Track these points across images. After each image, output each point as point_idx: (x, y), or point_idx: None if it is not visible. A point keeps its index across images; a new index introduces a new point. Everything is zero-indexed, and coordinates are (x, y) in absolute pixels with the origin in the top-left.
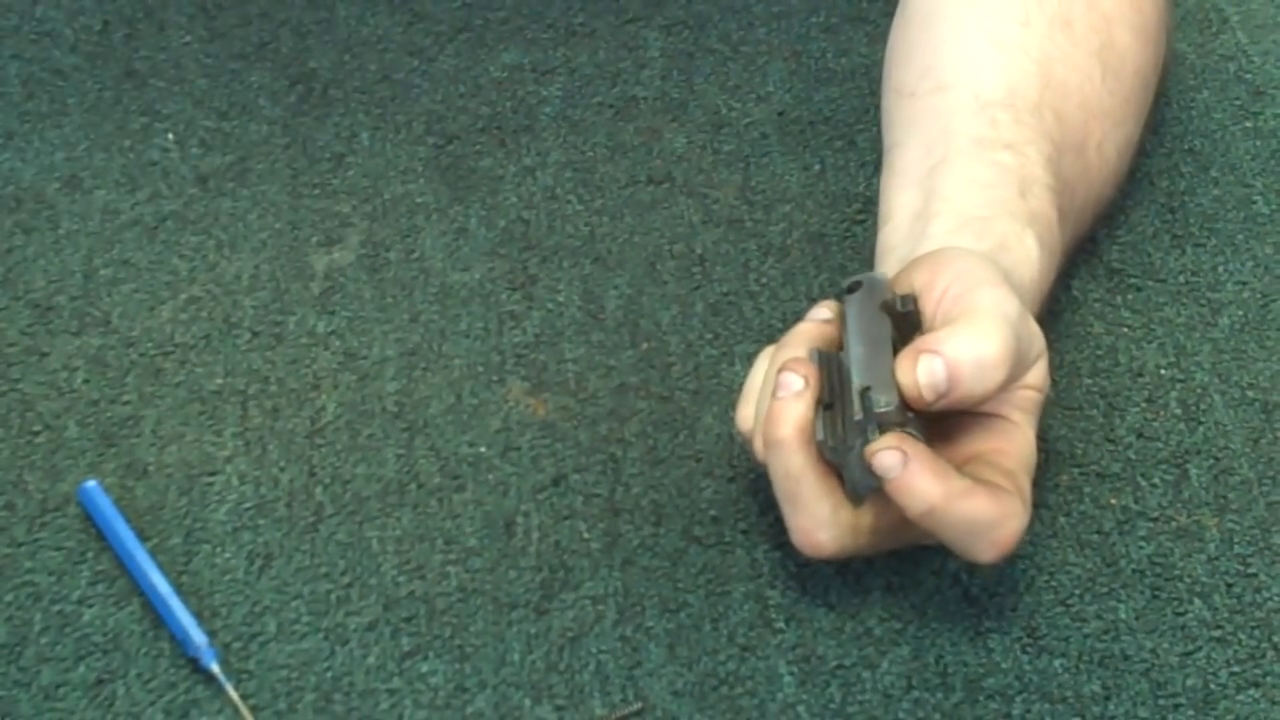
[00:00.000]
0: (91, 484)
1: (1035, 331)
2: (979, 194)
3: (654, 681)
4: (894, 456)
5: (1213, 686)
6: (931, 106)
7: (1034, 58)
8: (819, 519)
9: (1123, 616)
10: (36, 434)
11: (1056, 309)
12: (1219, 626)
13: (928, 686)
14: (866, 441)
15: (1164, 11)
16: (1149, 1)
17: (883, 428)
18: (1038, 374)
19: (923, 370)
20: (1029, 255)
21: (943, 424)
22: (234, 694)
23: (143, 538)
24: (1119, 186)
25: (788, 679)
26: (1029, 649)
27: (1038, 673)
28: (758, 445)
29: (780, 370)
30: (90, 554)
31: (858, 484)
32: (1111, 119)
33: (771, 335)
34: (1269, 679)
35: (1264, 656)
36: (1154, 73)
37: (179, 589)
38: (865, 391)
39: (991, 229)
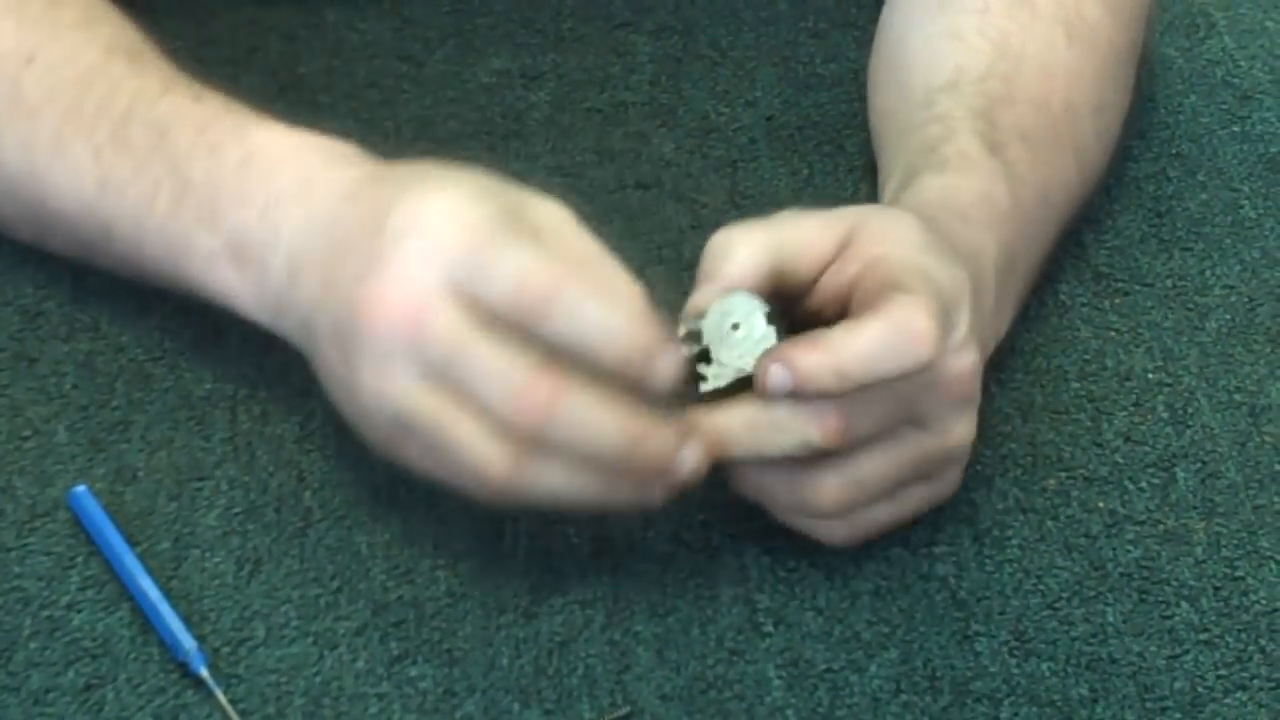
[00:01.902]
0: (81, 489)
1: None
2: (900, 172)
3: (642, 685)
4: (777, 369)
5: (1200, 689)
6: (899, 119)
7: (989, 36)
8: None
9: (1110, 620)
10: (26, 439)
11: (1043, 313)
12: (1206, 630)
13: (916, 690)
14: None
15: None
16: None
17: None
18: (878, 218)
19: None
20: (920, 189)
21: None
22: (223, 698)
23: (132, 543)
24: (1105, 149)
25: (776, 683)
26: (1016, 652)
27: (1025, 676)
28: None
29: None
30: (79, 559)
31: None
32: (1081, 80)
33: None
34: (1256, 682)
35: (1251, 659)
36: (1130, 48)
37: (168, 594)
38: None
39: (898, 193)
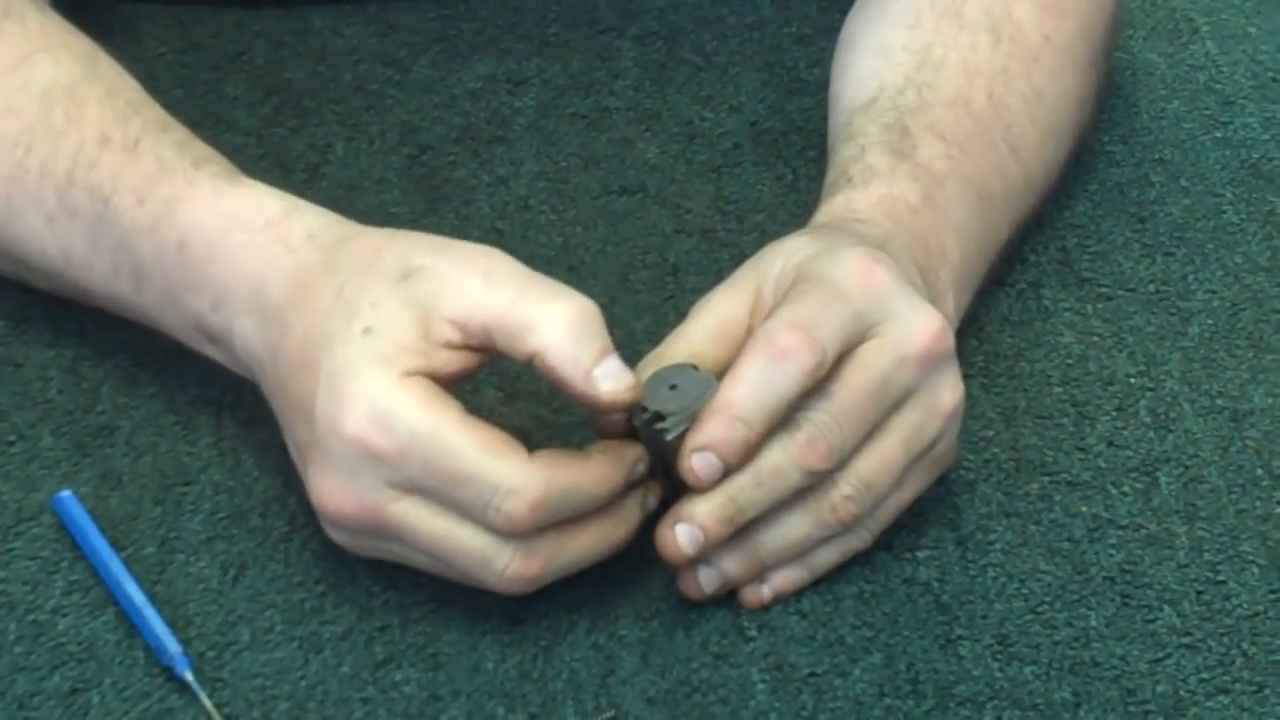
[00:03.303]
0: (66, 494)
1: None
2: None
3: (627, 689)
4: (700, 460)
5: (1182, 693)
6: (830, 140)
7: (913, 50)
8: None
9: (1093, 624)
10: (11, 444)
11: (1026, 318)
12: (1189, 633)
13: (899, 694)
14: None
15: None
16: None
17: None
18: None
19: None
20: (824, 211)
21: None
22: (208, 703)
23: (117, 547)
24: (1048, 133)
25: (760, 687)
26: (1000, 656)
27: (1008, 680)
28: None
29: None
30: (65, 564)
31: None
32: (1005, 75)
33: None
34: (1238, 686)
35: (1233, 663)
36: (1078, 37)
37: (153, 598)
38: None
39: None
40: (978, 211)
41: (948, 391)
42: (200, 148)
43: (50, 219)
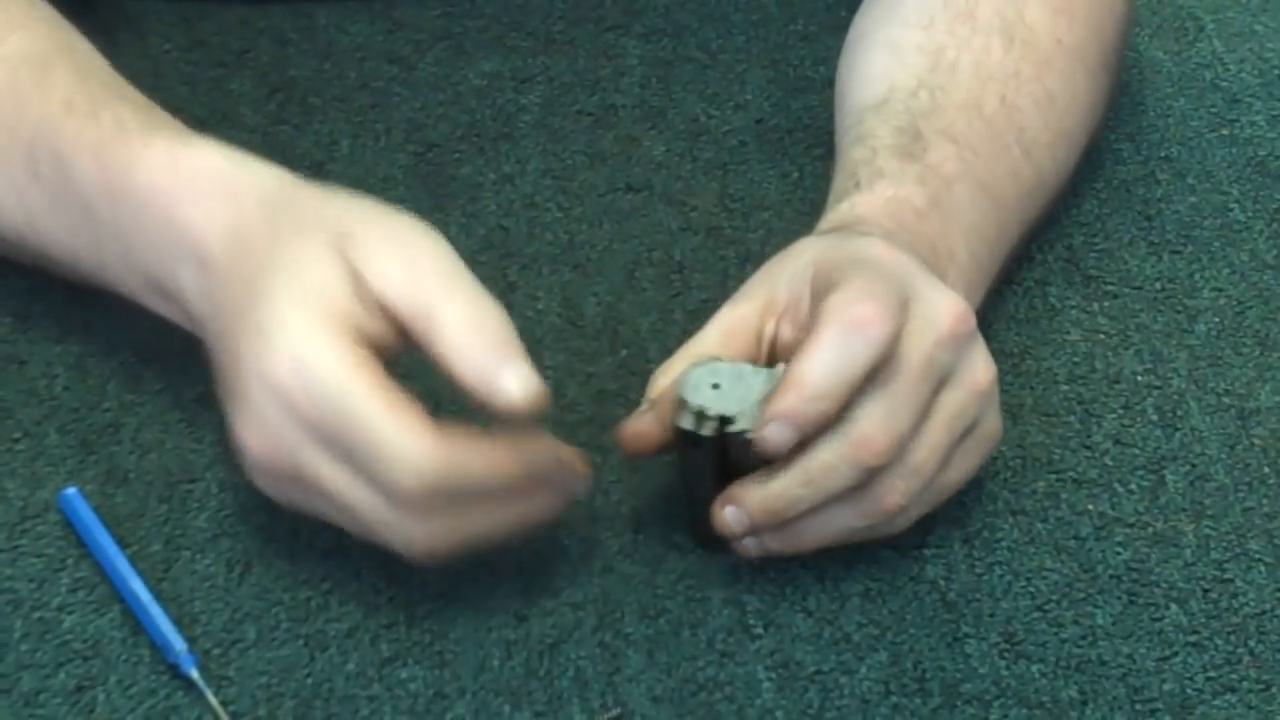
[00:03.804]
0: (72, 491)
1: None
2: (831, 198)
3: (633, 687)
4: (774, 427)
5: (1189, 691)
6: (839, 140)
7: (927, 51)
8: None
9: (1100, 622)
10: (17, 441)
11: (1032, 315)
12: (1195, 632)
13: (905, 692)
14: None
15: None
16: None
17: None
18: (789, 260)
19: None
20: (833, 216)
21: None
22: (214, 700)
23: (123, 545)
24: (1060, 134)
25: (766, 684)
26: (1006, 654)
27: (1015, 678)
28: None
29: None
30: (70, 561)
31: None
32: (1018, 78)
33: None
34: (1245, 684)
35: (1240, 661)
36: (1089, 40)
37: (159, 596)
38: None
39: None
40: (990, 213)
41: (981, 368)
42: (158, 113)
43: (14, 181)
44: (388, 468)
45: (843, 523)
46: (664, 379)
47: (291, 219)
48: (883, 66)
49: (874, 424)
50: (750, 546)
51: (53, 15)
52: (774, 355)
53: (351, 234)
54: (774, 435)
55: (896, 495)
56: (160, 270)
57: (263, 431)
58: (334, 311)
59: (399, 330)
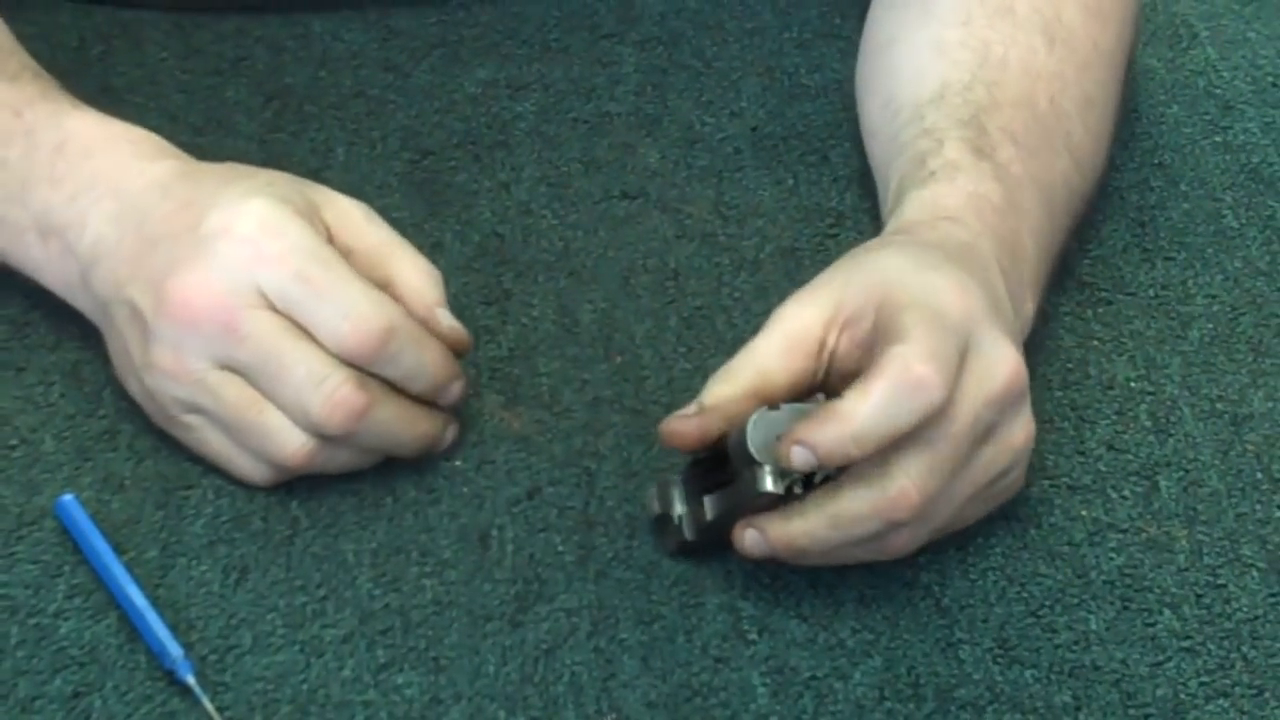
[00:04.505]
0: (68, 498)
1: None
2: (896, 185)
3: (628, 693)
4: (800, 450)
5: (1182, 697)
6: (886, 136)
7: (971, 47)
8: None
9: (1093, 627)
10: (13, 448)
11: None
12: (1189, 637)
13: (900, 697)
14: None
15: None
16: None
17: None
18: (864, 272)
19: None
20: (909, 206)
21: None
22: (210, 706)
23: (119, 551)
24: (1093, 142)
25: (761, 690)
26: (1000, 660)
27: (1009, 683)
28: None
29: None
30: (67, 567)
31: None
32: (1062, 80)
33: None
34: (1238, 689)
35: (1233, 667)
36: (1119, 50)
37: (155, 602)
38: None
39: (893, 208)
40: (1045, 217)
41: (1021, 428)
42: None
43: None
44: (353, 318)
45: (849, 555)
46: (722, 389)
47: (239, 169)
48: (930, 63)
49: (912, 481)
50: (753, 548)
51: None
52: (830, 367)
53: (318, 200)
54: (797, 459)
55: (907, 541)
56: (56, 206)
57: (212, 284)
58: (303, 210)
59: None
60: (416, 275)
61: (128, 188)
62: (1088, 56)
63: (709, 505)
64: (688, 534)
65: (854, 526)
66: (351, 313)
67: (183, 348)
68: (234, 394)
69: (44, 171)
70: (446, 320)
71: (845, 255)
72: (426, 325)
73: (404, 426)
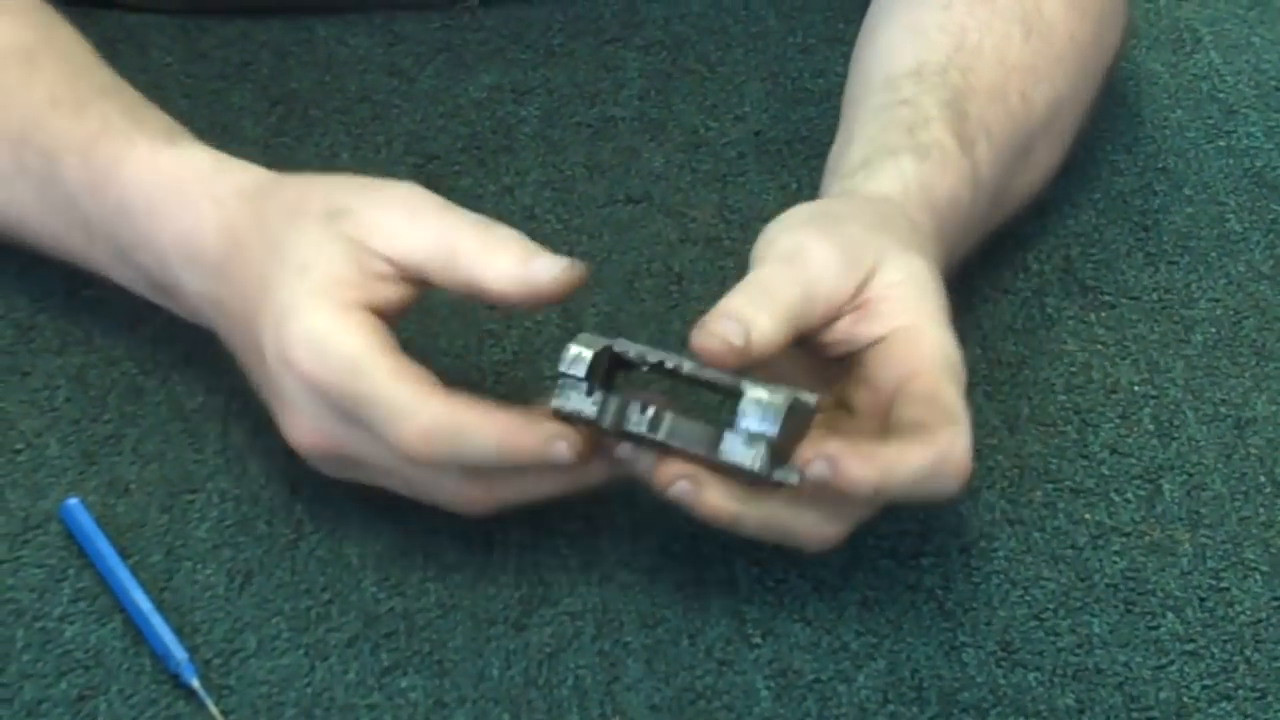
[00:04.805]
0: (73, 501)
1: (879, 243)
2: (865, 149)
3: (632, 696)
4: (821, 466)
5: (1185, 700)
6: (854, 101)
7: (948, 31)
8: None
9: (1096, 631)
10: (19, 452)
11: (1030, 325)
12: (1192, 640)
13: (903, 700)
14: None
15: None
16: None
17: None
18: (899, 270)
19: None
20: (901, 172)
21: (849, 365)
22: (215, 710)
23: (124, 555)
24: (1055, 140)
25: (764, 693)
26: (1003, 663)
27: (1012, 686)
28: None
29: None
30: (72, 571)
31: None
32: (1036, 73)
33: None
34: (1241, 692)
35: (1236, 670)
36: (1095, 43)
37: (160, 606)
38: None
39: (869, 163)
40: (989, 222)
41: (939, 489)
42: (146, 109)
43: (3, 176)
44: (395, 427)
45: (774, 536)
46: (772, 336)
47: (279, 209)
48: (905, 42)
49: (849, 526)
50: (679, 495)
51: (38, 3)
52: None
53: (344, 209)
54: (815, 470)
55: (827, 539)
56: (154, 268)
57: (302, 420)
58: (340, 287)
59: (412, 285)
60: (489, 261)
61: (196, 260)
62: (1063, 50)
63: (667, 425)
64: (604, 423)
65: (782, 533)
66: (401, 426)
67: (316, 464)
68: (389, 485)
69: (124, 233)
70: (547, 273)
71: (855, 208)
72: (532, 301)
73: (533, 488)
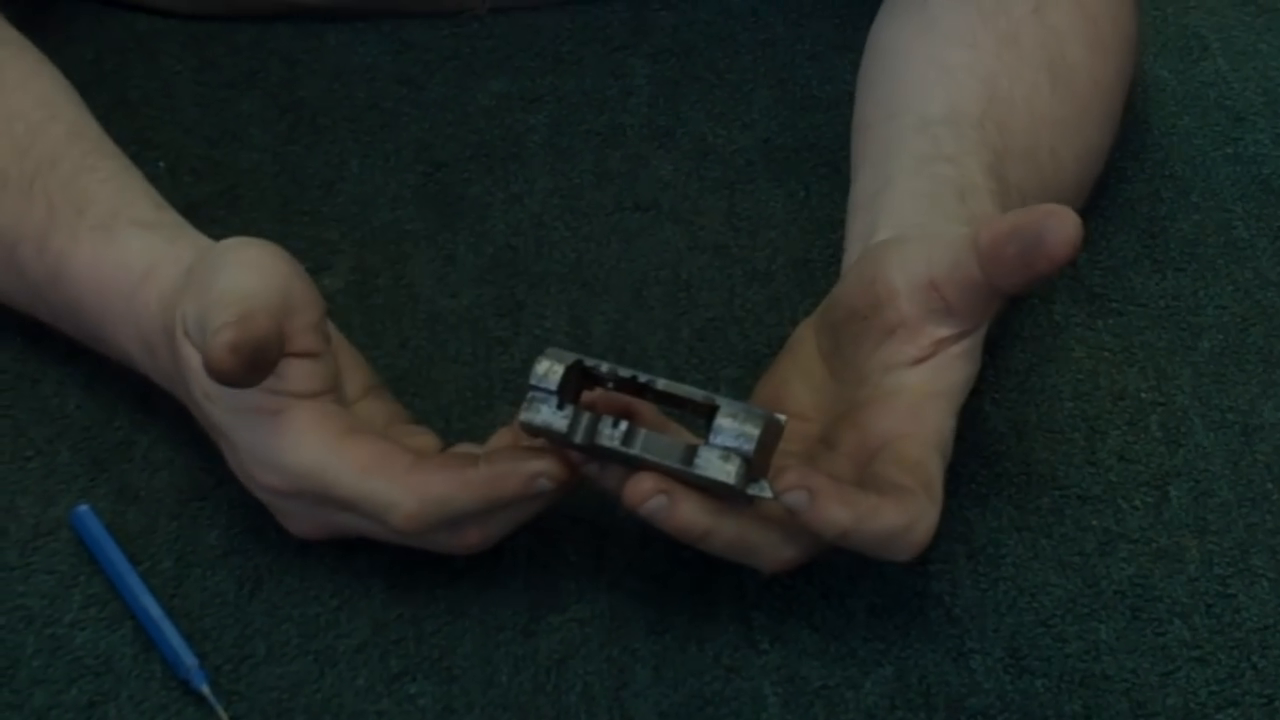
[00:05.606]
0: (83, 508)
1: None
2: (918, 204)
3: (640, 702)
4: (800, 495)
5: (1192, 706)
6: (881, 135)
7: (979, 76)
8: None
9: (1104, 637)
10: (29, 459)
11: (1037, 333)
12: (1199, 647)
13: (911, 707)
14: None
15: (1125, 24)
16: (1105, 17)
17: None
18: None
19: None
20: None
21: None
22: (224, 716)
23: (134, 562)
24: (1082, 195)
25: (772, 699)
26: (1011, 669)
27: (1020, 693)
28: None
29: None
30: (82, 578)
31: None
32: (1064, 126)
33: (756, 360)
34: (1248, 698)
35: (1243, 676)
36: (1117, 84)
37: (170, 612)
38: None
39: (926, 230)
40: None
41: (894, 551)
42: (86, 183)
43: None
44: (382, 518)
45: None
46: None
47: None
48: (936, 81)
49: (810, 553)
50: (653, 509)
51: None
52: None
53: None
54: (792, 499)
55: (782, 561)
56: (117, 351)
57: (290, 520)
58: (270, 396)
59: (320, 333)
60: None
61: (153, 347)
62: (1089, 99)
63: (642, 439)
64: (576, 438)
65: (742, 550)
66: (377, 514)
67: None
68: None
69: (83, 316)
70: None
71: (889, 252)
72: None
73: (518, 517)
